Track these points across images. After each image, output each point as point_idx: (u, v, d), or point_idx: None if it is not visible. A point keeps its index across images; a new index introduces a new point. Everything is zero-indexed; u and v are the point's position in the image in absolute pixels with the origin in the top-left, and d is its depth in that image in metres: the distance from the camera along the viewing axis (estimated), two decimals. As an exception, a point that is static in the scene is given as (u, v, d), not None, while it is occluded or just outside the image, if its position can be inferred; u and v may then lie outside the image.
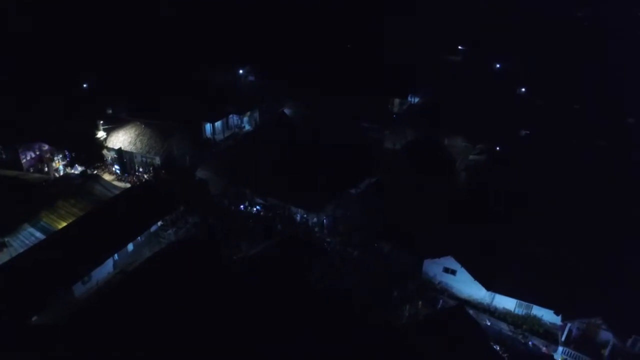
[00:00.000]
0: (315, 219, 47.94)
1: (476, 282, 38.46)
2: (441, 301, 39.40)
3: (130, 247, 43.42)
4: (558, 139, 60.06)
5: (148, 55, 78.28)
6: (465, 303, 38.62)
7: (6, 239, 41.67)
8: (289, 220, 47.71)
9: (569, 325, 35.21)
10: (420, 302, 38.53)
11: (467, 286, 39.33)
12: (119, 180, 55.80)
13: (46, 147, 56.77)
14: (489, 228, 41.25)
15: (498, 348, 33.83)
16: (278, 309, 33.59)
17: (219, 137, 65.86)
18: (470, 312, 36.72)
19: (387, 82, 74.61)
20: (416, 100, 78.56)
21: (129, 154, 57.35)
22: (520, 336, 36.07)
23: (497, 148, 61.18)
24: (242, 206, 50.33)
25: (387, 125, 67.16)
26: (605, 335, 34.38)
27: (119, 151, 56.80)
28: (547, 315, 36.85)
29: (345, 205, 47.80)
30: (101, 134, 58.01)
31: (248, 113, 69.88)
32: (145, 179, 54.51)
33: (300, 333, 31.49)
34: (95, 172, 54.87)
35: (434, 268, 40.63)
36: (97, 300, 37.08)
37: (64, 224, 43.38)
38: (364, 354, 30.33)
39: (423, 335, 31.97)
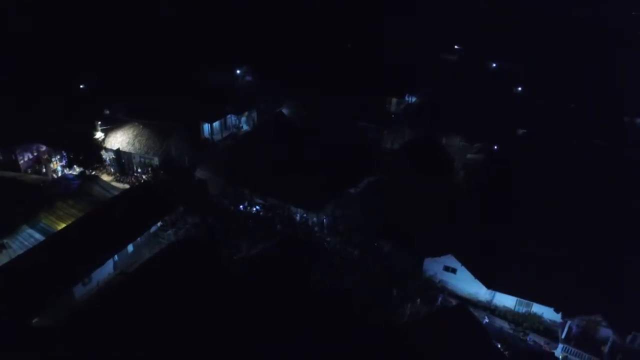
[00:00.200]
0: (315, 219, 47.98)
1: (476, 281, 38.65)
2: (439, 299, 39.50)
3: (130, 248, 43.29)
4: (556, 138, 60.34)
5: (146, 55, 78.07)
6: (465, 301, 38.86)
7: (5, 241, 41.42)
8: (288, 220, 47.71)
9: (569, 322, 35.46)
10: (418, 300, 38.61)
11: (467, 284, 39.53)
12: (118, 181, 55.63)
13: (44, 148, 56.52)
14: (488, 228, 41.42)
15: (499, 346, 33.92)
16: (278, 309, 33.63)
17: (217, 137, 65.80)
18: (471, 310, 36.80)
19: (385, 81, 74.73)
20: (413, 99, 78.76)
21: (127, 154, 57.18)
22: (520, 334, 36.24)
23: (495, 147, 61.45)
24: (241, 206, 50.29)
25: (385, 124, 67.28)
26: (605, 332, 34.67)
27: (117, 152, 56.64)
28: (547, 313, 37.12)
29: (344, 205, 47.90)
30: (99, 135, 57.82)
31: (246, 113, 69.85)
32: (144, 179, 54.34)
33: (300, 333, 31.54)
34: (93, 172, 54.63)
35: (434, 267, 40.79)
36: (98, 302, 37.07)
37: (63, 225, 43.17)
38: (363, 354, 30.40)
39: (424, 334, 32.09)
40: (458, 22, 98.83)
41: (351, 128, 64.42)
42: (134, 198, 46.98)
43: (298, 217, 48.52)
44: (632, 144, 61.01)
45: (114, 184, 53.66)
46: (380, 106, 72.91)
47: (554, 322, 36.97)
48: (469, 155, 60.72)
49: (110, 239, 41.21)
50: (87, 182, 49.63)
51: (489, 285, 38.16)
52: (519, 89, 79.12)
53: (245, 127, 69.71)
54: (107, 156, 57.86)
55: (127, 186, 53.55)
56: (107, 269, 40.97)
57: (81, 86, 72.02)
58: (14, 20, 76.65)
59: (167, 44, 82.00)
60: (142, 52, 78.80)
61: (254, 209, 50.04)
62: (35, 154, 56.16)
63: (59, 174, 54.31)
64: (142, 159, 56.85)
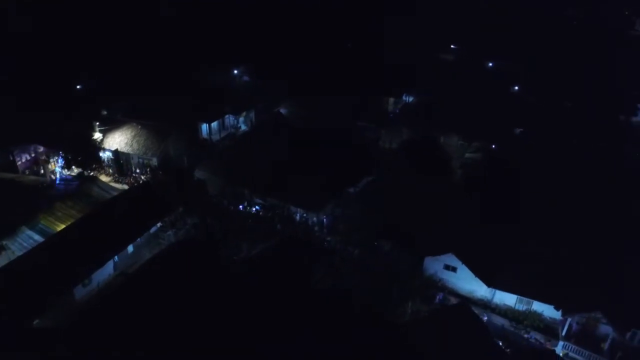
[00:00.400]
0: (314, 219, 48.03)
1: (477, 279, 38.89)
2: (438, 296, 39.64)
3: (130, 248, 43.21)
4: (553, 137, 60.63)
5: (144, 55, 77.81)
6: (465, 300, 39.05)
7: (4, 242, 41.26)
8: (288, 220, 47.69)
9: (569, 320, 35.70)
10: (418, 299, 38.73)
11: (467, 283, 39.74)
12: (116, 181, 55.48)
13: (41, 149, 56.27)
14: (487, 227, 41.61)
15: (500, 343, 34.11)
16: (278, 309, 33.66)
17: (216, 137, 65.70)
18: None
19: (383, 81, 74.87)
20: (410, 99, 78.96)
21: (126, 155, 57.02)
22: (522, 331, 36.46)
23: (493, 146, 61.70)
24: (240, 206, 50.25)
25: (384, 124, 67.42)
26: (605, 329, 34.97)
27: (116, 152, 56.48)
28: (547, 311, 37.40)
29: (344, 205, 47.92)
30: (97, 136, 57.62)
31: (244, 113, 69.78)
32: (143, 180, 54.20)
33: (300, 333, 31.59)
34: (91, 173, 54.43)
35: (435, 265, 40.97)
36: (99, 303, 37.02)
37: (63, 226, 43.06)
38: (363, 354, 30.46)
39: (426, 333, 32.22)
40: (457, 22, 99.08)
41: (350, 128, 64.46)
42: (133, 199, 46.89)
43: (298, 217, 48.55)
44: (629, 142, 61.41)
45: (113, 184, 53.56)
46: (378, 106, 73.01)
47: (554, 319, 37.24)
48: (467, 155, 60.97)
49: (110, 239, 41.15)
50: (86, 183, 49.48)
51: (489, 284, 38.39)
52: (516, 88, 79.46)
53: (243, 127, 69.65)
54: (105, 157, 57.63)
55: (125, 187, 53.43)
56: (108, 269, 40.89)
57: (78, 87, 71.65)
58: (14, 20, 76.14)
59: (166, 44, 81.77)
60: (140, 52, 78.54)
61: (254, 209, 50.02)
62: (33, 155, 55.93)
63: (57, 175, 54.04)
64: (141, 160, 56.72)
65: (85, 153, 54.10)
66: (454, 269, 40.23)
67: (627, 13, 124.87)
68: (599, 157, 55.45)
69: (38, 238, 42.14)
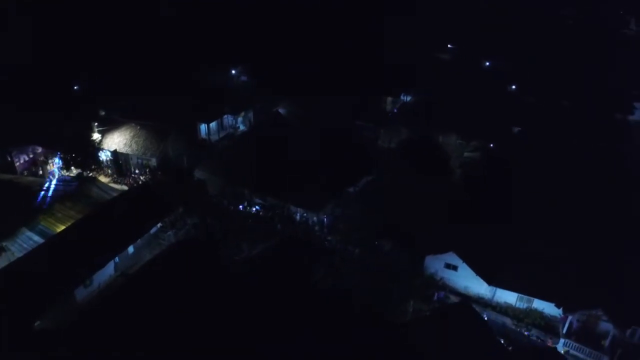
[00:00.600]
0: (314, 218, 48.08)
1: (477, 277, 39.06)
2: (436, 294, 39.72)
3: (130, 249, 43.12)
4: (551, 136, 60.85)
5: (142, 55, 77.59)
6: (466, 298, 39.19)
7: (4, 244, 41.07)
8: (288, 220, 47.75)
9: (569, 317, 35.89)
10: (419, 298, 38.84)
11: (468, 281, 39.92)
12: (115, 182, 55.33)
13: (40, 149, 56.05)
14: (487, 226, 41.74)
15: (502, 341, 34.27)
16: (278, 309, 33.69)
17: (214, 137, 65.60)
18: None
19: (382, 81, 74.98)
20: (408, 98, 79.10)
21: (125, 155, 56.87)
22: (523, 329, 36.66)
23: (491, 145, 61.90)
24: (240, 206, 50.25)
25: (382, 124, 67.52)
26: (605, 326, 35.20)
27: (115, 153, 56.33)
28: (548, 308, 37.62)
29: (344, 204, 47.98)
30: (96, 136, 57.44)
31: (242, 113, 69.69)
32: (142, 180, 54.10)
33: (301, 333, 31.63)
34: (90, 174, 54.24)
35: (436, 264, 41.13)
36: (100, 304, 36.93)
37: (63, 227, 42.88)
38: (364, 354, 30.52)
39: (428, 332, 32.35)
40: (457, 22, 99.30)
41: (349, 127, 64.52)
42: (133, 199, 46.78)
43: (298, 217, 48.60)
44: (626, 141, 61.79)
45: (112, 185, 53.36)
46: (377, 105, 73.10)
47: (555, 317, 37.46)
48: (465, 154, 61.16)
49: (110, 240, 41.03)
50: (85, 184, 49.25)
51: (490, 282, 38.54)
52: (513, 87, 79.74)
53: (241, 127, 69.57)
54: (104, 157, 57.45)
55: (125, 187, 53.27)
56: (108, 270, 40.80)
57: (75, 87, 71.42)
58: (14, 20, 75.78)
59: (165, 44, 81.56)
60: (139, 52, 78.30)
61: (254, 208, 50.02)
62: (31, 155, 55.70)
63: (56, 176, 53.84)
64: (140, 160, 56.58)
65: (84, 154, 53.92)
66: (454, 268, 40.39)
67: (621, 12, 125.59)
68: (597, 156, 55.69)
69: (38, 239, 41.91)
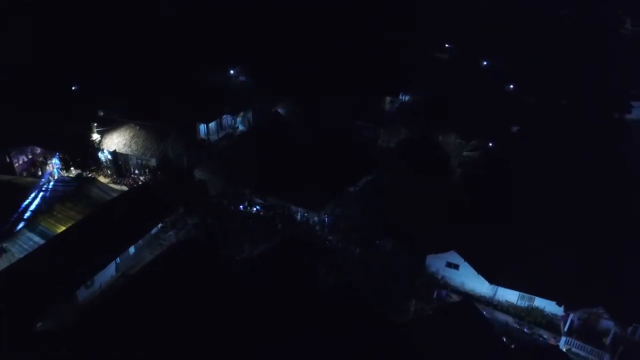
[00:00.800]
0: (315, 218, 48.08)
1: (479, 276, 39.13)
2: (435, 292, 39.76)
3: (131, 249, 43.05)
4: (550, 134, 61.01)
5: (142, 55, 77.41)
6: (468, 297, 39.28)
7: (4, 245, 40.93)
8: (289, 220, 47.74)
9: (571, 315, 36.02)
10: (420, 297, 38.87)
11: (469, 280, 40.02)
12: (115, 182, 55.22)
13: (39, 150, 55.85)
14: (488, 225, 41.80)
15: (505, 339, 34.39)
16: (280, 309, 33.71)
17: (214, 137, 65.54)
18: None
19: (380, 80, 75.08)
20: (406, 98, 79.21)
21: (124, 156, 56.75)
22: (525, 327, 36.78)
23: (490, 144, 62.03)
24: (241, 206, 50.18)
25: (381, 123, 67.60)
26: (606, 324, 35.35)
27: (114, 153, 56.19)
28: (549, 307, 37.78)
29: (344, 204, 48.00)
30: (95, 137, 57.30)
31: (242, 113, 69.66)
32: (142, 181, 54.00)
33: (301, 333, 31.65)
34: (90, 175, 54.09)
35: (437, 263, 41.23)
36: (101, 304, 36.83)
37: (63, 228, 42.77)
38: (365, 354, 30.54)
39: (431, 331, 32.44)
40: (456, 22, 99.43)
41: (348, 127, 64.57)
42: (133, 200, 46.73)
43: (299, 217, 48.59)
44: (624, 139, 62.06)
45: (112, 185, 53.24)
46: (376, 105, 73.16)
47: (556, 315, 37.60)
48: (465, 153, 61.29)
49: (111, 241, 40.99)
50: (85, 185, 49.11)
51: (491, 280, 38.63)
52: (511, 86, 79.95)
53: (241, 128, 69.52)
54: (103, 158, 57.31)
55: (124, 188, 53.18)
56: (110, 271, 40.73)
57: (73, 87, 71.20)
58: (13, 20, 75.51)
59: (165, 44, 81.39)
60: (138, 52, 78.10)
61: (254, 208, 49.97)
62: (30, 156, 55.49)
63: (55, 177, 53.68)
64: (139, 161, 56.47)
65: (84, 154, 53.76)
66: (456, 267, 40.50)
67: (618, 12, 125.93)
68: (596, 155, 55.86)
69: (38, 240, 41.78)
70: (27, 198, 46.38)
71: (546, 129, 63.80)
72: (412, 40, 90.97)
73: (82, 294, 37.96)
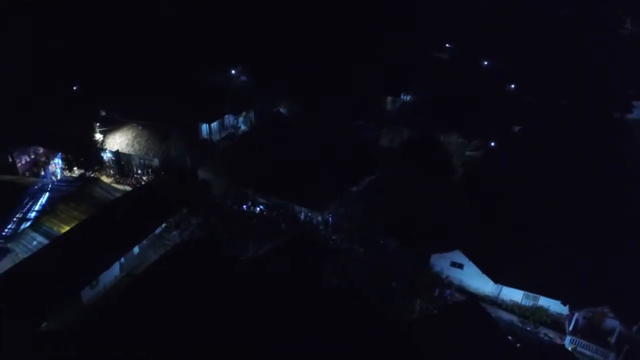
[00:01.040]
0: (319, 218, 48.09)
1: (483, 275, 39.15)
2: (437, 290, 39.78)
3: (135, 249, 43.01)
4: (552, 135, 61.07)
5: (142, 55, 77.36)
6: (472, 296, 39.30)
7: (8, 244, 40.87)
8: (292, 220, 47.76)
9: (575, 314, 36.08)
10: (425, 297, 38.90)
11: (474, 279, 40.02)
12: (117, 182, 55.17)
13: (41, 150, 55.78)
14: (492, 225, 41.87)
15: (510, 338, 34.42)
16: (283, 309, 33.70)
17: (216, 137, 65.54)
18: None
19: (381, 80, 75.11)
20: (408, 98, 79.27)
21: (127, 156, 56.73)
22: (530, 326, 36.84)
23: (492, 144, 62.12)
24: (244, 206, 50.16)
25: (383, 123, 67.65)
26: (611, 323, 35.37)
27: (117, 153, 56.14)
28: (553, 306, 37.77)
29: (347, 204, 48.03)
30: (98, 137, 57.24)
31: (244, 113, 69.65)
32: (145, 180, 53.95)
33: (304, 333, 31.64)
34: (92, 174, 54.04)
35: (441, 262, 41.25)
36: (106, 305, 36.86)
37: (67, 228, 42.80)
38: (368, 353, 30.53)
39: (435, 330, 32.47)
40: (456, 22, 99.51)
41: (350, 127, 64.60)
42: (137, 200, 46.79)
43: (302, 216, 48.60)
44: (626, 139, 62.19)
45: (115, 185, 53.19)
46: (377, 105, 73.20)
47: (561, 314, 37.63)
48: (467, 153, 61.39)
49: (115, 241, 40.96)
50: (88, 184, 49.07)
51: (496, 280, 38.67)
52: (512, 86, 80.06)
53: (242, 127, 69.54)
54: (106, 158, 57.25)
55: (127, 188, 53.15)
56: (114, 271, 40.70)
57: (75, 87, 71.13)
58: (14, 20, 75.40)
59: (165, 44, 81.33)
60: (139, 52, 78.04)
61: (258, 208, 49.95)
62: (32, 156, 55.41)
63: (58, 176, 53.63)
64: (142, 161, 56.43)
65: (87, 154, 53.69)
66: (460, 266, 40.51)
67: (618, 12, 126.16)
68: (598, 154, 55.94)
69: (42, 240, 41.84)
70: (30, 198, 46.30)
71: (547, 129, 63.86)
72: (412, 40, 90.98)
73: (87, 294, 37.92)
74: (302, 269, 39.21)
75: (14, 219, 43.52)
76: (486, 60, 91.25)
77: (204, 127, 64.65)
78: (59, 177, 53.69)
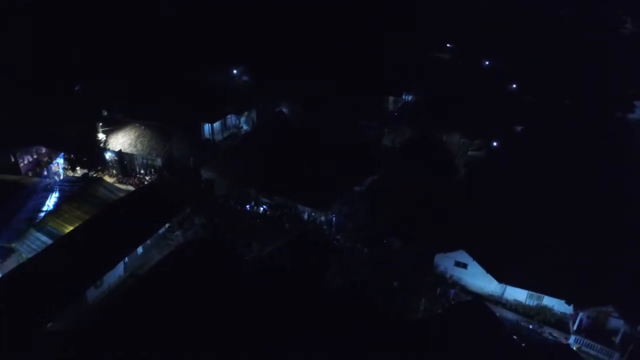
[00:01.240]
0: (323, 218, 48.14)
1: (487, 275, 39.11)
2: (438, 289, 39.86)
3: (139, 249, 42.99)
4: (554, 135, 61.16)
5: (145, 55, 77.30)
6: (476, 296, 39.39)
7: (13, 244, 40.85)
8: (296, 219, 47.82)
9: (580, 314, 36.14)
10: (429, 296, 38.97)
11: (478, 279, 40.02)
12: (120, 182, 55.16)
13: (43, 150, 55.74)
14: (495, 225, 41.90)
15: (515, 338, 34.50)
16: (287, 309, 33.73)
17: (218, 137, 65.53)
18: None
19: (383, 80, 75.18)
20: (410, 98, 79.36)
21: (129, 155, 56.72)
22: (535, 326, 36.91)
23: (495, 144, 62.22)
24: (248, 206, 50.21)
25: (386, 123, 67.71)
26: (615, 322, 35.42)
27: (119, 153, 56.13)
28: (557, 305, 37.82)
29: (351, 203, 48.11)
30: (101, 136, 57.23)
31: (246, 113, 69.63)
32: (147, 180, 53.96)
33: (308, 333, 31.66)
34: (95, 174, 54.03)
35: (445, 262, 41.28)
36: (111, 304, 36.84)
37: (70, 228, 42.72)
38: (372, 354, 30.56)
39: (440, 329, 32.50)
40: (456, 22, 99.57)
41: (351, 127, 64.63)
42: (140, 200, 46.72)
43: (306, 216, 48.65)
44: (627, 140, 62.31)
45: (118, 185, 53.16)
46: (379, 105, 73.26)
47: (565, 314, 37.71)
48: (469, 152, 61.46)
49: (119, 241, 40.92)
50: (91, 184, 49.06)
51: (500, 279, 38.70)
52: (514, 86, 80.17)
53: (245, 127, 69.54)
54: (108, 158, 57.24)
55: (130, 188, 53.11)
56: (118, 271, 40.66)
57: (76, 87, 71.08)
58: (14, 20, 75.32)
59: (166, 43, 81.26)
60: (140, 52, 77.97)
61: (261, 208, 50.00)
62: (35, 156, 55.37)
63: (61, 177, 53.62)
64: (145, 160, 56.42)
65: (90, 154, 53.69)
66: (464, 266, 40.54)
67: (618, 12, 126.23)
68: (600, 154, 56.05)
69: (46, 240, 41.74)
70: (33, 198, 46.31)
71: (549, 129, 63.97)
72: (413, 40, 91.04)
73: (92, 293, 37.89)
74: (305, 268, 39.28)
75: (18, 219, 43.35)
76: (487, 60, 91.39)
77: (207, 127, 64.61)
78: (61, 177, 53.61)
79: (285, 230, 45.72)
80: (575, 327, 36.07)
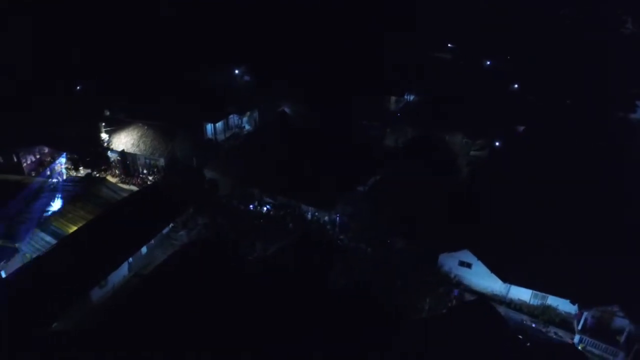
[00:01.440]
0: (326, 217, 48.14)
1: (492, 275, 39.19)
2: (442, 289, 39.81)
3: (143, 249, 42.97)
4: (555, 134, 61.19)
5: (146, 55, 77.22)
6: (480, 296, 39.39)
7: (17, 244, 40.78)
8: (299, 219, 47.79)
9: (584, 313, 36.18)
10: (434, 296, 39.01)
11: (482, 279, 40.08)
12: (123, 182, 55.11)
13: (46, 150, 55.65)
14: (498, 224, 41.93)
15: (520, 337, 34.52)
16: (291, 308, 33.74)
17: (220, 137, 65.52)
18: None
19: (385, 80, 75.20)
20: (411, 97, 79.40)
21: (132, 155, 56.66)
22: (541, 326, 36.94)
23: (497, 144, 62.25)
24: (251, 206, 50.18)
25: (388, 123, 67.73)
26: (620, 322, 35.46)
27: (122, 153, 56.07)
28: (562, 305, 37.89)
29: (353, 203, 48.09)
30: (104, 136, 57.17)
31: (248, 113, 69.64)
32: (150, 180, 53.90)
33: (311, 333, 31.67)
34: (98, 175, 53.93)
35: (450, 262, 41.30)
36: (115, 304, 36.84)
37: (74, 228, 42.73)
38: (375, 353, 30.58)
39: (446, 329, 32.52)
40: (457, 22, 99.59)
41: (355, 127, 64.67)
42: (143, 200, 46.77)
43: (309, 216, 48.64)
44: (629, 139, 62.38)
45: (121, 185, 53.14)
46: (381, 105, 73.28)
47: (569, 313, 37.75)
48: (472, 152, 61.51)
49: (123, 241, 40.93)
50: (94, 184, 49.03)
51: (505, 279, 38.73)
52: (515, 86, 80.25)
53: (247, 127, 69.54)
54: (112, 157, 57.18)
55: (133, 188, 53.08)
56: (122, 271, 40.67)
57: (78, 87, 71.01)
58: (14, 20, 75.20)
59: (167, 43, 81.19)
60: (141, 52, 77.90)
61: (264, 208, 49.97)
62: (38, 156, 55.25)
63: (64, 176, 53.55)
64: (148, 160, 56.37)
65: (94, 154, 53.62)
66: (468, 265, 40.59)
67: (618, 12, 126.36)
68: (601, 153, 56.11)
69: (50, 239, 41.78)
70: (37, 198, 46.26)
71: (550, 129, 64.01)
72: (413, 40, 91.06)
73: (96, 293, 37.88)
74: (309, 268, 39.31)
75: (22, 219, 43.27)
76: (488, 60, 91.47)
77: (209, 127, 64.61)
78: (64, 177, 53.54)
79: (289, 230, 45.72)
80: (580, 327, 36.12)
